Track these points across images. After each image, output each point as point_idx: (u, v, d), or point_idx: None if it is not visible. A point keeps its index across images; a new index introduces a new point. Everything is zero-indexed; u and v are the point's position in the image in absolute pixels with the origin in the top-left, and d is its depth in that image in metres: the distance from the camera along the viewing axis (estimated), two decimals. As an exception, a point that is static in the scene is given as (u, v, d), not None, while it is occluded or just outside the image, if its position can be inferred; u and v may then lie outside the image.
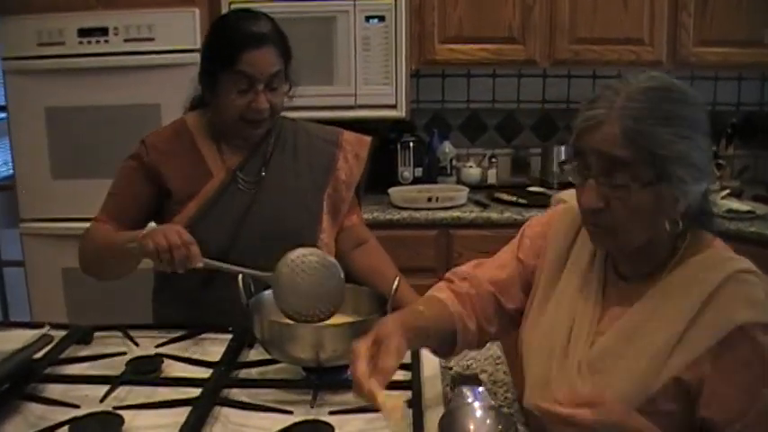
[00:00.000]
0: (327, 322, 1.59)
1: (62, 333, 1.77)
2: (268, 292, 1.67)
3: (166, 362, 1.64)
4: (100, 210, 1.91)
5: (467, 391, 1.46)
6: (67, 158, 3.12)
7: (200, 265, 1.61)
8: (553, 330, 1.41)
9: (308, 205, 1.94)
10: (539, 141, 3.90)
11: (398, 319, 1.37)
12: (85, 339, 1.79)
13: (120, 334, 1.81)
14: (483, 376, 1.66)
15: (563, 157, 3.71)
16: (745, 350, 1.20)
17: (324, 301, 1.59)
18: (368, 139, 2.05)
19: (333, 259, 1.65)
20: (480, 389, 1.48)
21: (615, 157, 1.22)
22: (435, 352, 1.53)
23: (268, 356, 1.62)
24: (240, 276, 1.61)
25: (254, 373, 1.63)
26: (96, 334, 1.82)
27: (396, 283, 1.63)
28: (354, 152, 2.00)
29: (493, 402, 1.46)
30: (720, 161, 3.61)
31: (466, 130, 3.90)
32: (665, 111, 1.22)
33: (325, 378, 1.56)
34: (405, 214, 3.25)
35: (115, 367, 1.62)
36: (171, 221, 1.84)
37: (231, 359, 1.65)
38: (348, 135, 2.03)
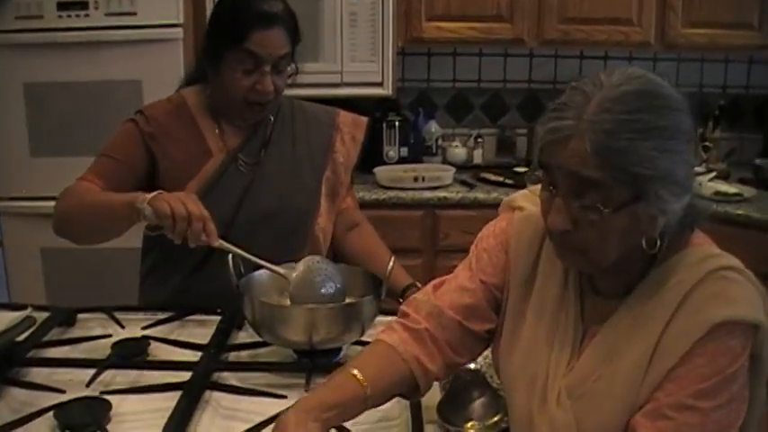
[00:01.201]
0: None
1: (44, 315, 1.72)
2: (258, 273, 1.63)
3: (153, 344, 1.60)
4: (87, 170, 1.79)
5: (464, 374, 1.43)
6: (46, 136, 3.04)
7: (215, 244, 1.52)
8: (532, 357, 1.25)
9: (306, 187, 1.89)
10: (524, 122, 3.86)
11: (307, 404, 1.15)
12: (68, 321, 1.74)
13: (103, 316, 1.76)
14: (478, 359, 1.63)
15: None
16: (712, 348, 1.08)
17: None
18: (364, 120, 2.01)
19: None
20: (477, 371, 1.45)
21: (584, 177, 1.04)
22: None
23: (258, 339, 1.59)
24: (230, 256, 1.56)
25: (243, 355, 1.60)
26: (80, 316, 1.77)
27: (390, 264, 1.59)
28: (351, 134, 1.96)
29: (491, 385, 1.43)
30: (707, 144, 3.60)
31: (452, 109, 3.86)
32: (644, 122, 1.04)
33: (318, 361, 1.53)
34: (391, 194, 3.21)
35: (100, 350, 1.57)
36: None
37: (220, 342, 1.61)
38: (344, 116, 1.98)
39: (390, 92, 3.29)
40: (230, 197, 1.79)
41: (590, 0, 3.39)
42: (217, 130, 1.85)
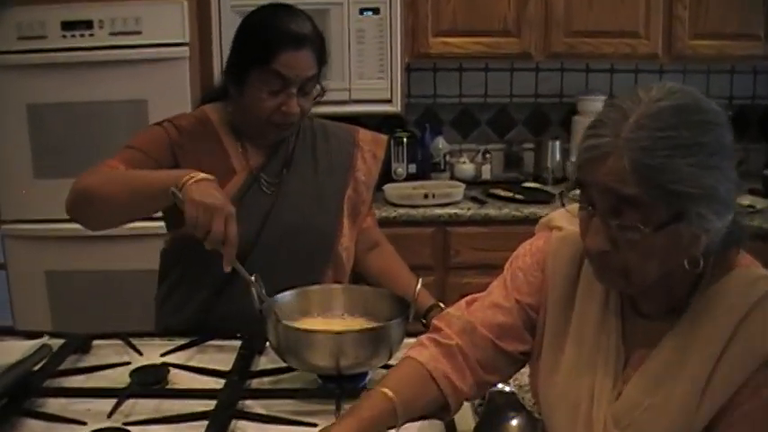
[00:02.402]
0: (348, 328, 1.50)
1: (58, 342, 1.67)
2: (281, 295, 1.58)
3: (173, 371, 1.55)
4: (112, 158, 1.70)
5: (498, 397, 1.39)
6: (50, 157, 2.99)
7: (226, 269, 1.46)
8: (573, 382, 1.20)
9: (328, 206, 1.85)
10: (531, 136, 3.84)
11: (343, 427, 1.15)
12: (83, 348, 1.69)
13: (119, 342, 1.71)
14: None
15: (557, 154, 3.67)
16: None
17: None
18: (384, 137, 1.98)
19: None
20: (512, 393, 1.41)
21: (623, 195, 1.01)
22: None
23: (280, 365, 1.54)
24: (253, 278, 1.52)
25: (266, 382, 1.54)
26: (95, 342, 1.72)
27: (417, 286, 1.54)
28: (372, 152, 1.93)
29: (525, 407, 1.39)
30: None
31: (458, 125, 3.83)
32: (683, 138, 1.00)
33: (345, 386, 1.47)
34: (401, 211, 3.17)
35: (118, 378, 1.52)
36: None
37: (243, 368, 1.56)
38: (364, 134, 1.95)
39: (399, 109, 3.26)
40: (253, 217, 1.75)
41: (596, 13, 3.37)
42: (240, 149, 1.80)
